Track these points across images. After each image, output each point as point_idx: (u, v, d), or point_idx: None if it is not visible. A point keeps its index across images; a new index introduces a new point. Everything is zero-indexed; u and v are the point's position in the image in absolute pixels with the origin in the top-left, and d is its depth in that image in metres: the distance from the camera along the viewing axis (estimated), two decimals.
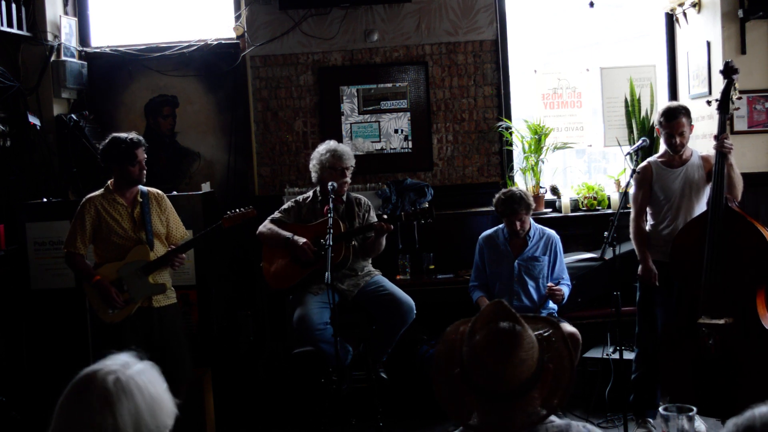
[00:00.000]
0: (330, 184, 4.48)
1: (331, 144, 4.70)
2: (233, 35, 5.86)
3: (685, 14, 5.64)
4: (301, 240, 4.47)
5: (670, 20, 5.89)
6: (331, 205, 4.35)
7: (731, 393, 3.93)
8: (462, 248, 5.38)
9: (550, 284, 4.59)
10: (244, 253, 5.65)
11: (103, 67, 5.98)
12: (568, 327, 4.19)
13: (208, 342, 5.14)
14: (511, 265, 4.67)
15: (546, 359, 1.84)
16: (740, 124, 5.28)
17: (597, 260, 5.13)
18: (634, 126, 5.77)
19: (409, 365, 5.12)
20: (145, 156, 4.22)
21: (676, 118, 4.31)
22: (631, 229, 4.53)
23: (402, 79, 5.84)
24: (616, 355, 4.54)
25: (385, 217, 4.52)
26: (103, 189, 4.25)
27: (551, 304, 4.63)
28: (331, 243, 4.00)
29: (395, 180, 5.69)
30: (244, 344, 5.54)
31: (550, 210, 5.79)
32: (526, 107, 6.05)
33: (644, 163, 4.54)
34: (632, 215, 4.53)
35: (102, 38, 6.09)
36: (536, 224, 4.79)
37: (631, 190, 4.62)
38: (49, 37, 5.62)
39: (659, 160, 4.48)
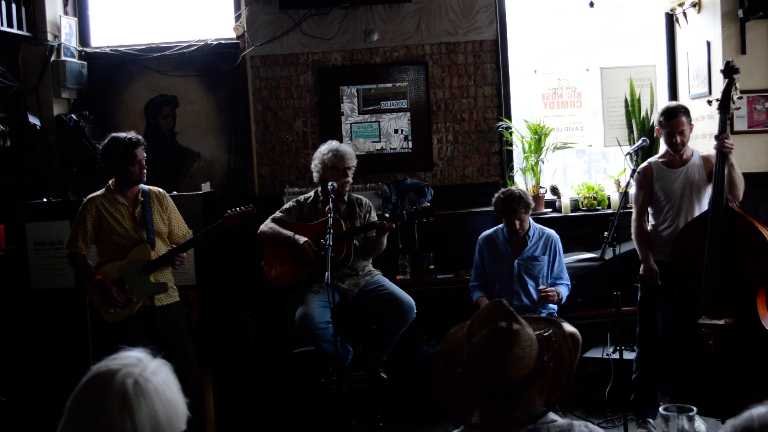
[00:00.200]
0: (330, 184, 4.49)
1: (333, 144, 4.71)
2: (233, 35, 5.86)
3: (685, 14, 5.64)
4: (302, 239, 4.47)
5: (670, 20, 5.89)
6: (331, 204, 4.35)
7: (731, 393, 3.93)
8: (462, 248, 5.38)
9: (541, 287, 4.58)
10: (244, 252, 5.65)
11: (103, 67, 5.98)
12: (568, 327, 4.18)
13: (208, 342, 5.14)
14: (511, 264, 4.67)
15: (547, 358, 1.85)
16: (740, 124, 5.28)
17: (597, 260, 5.13)
18: (634, 126, 5.77)
19: (409, 365, 5.12)
20: (145, 155, 4.22)
21: (675, 117, 4.31)
22: (632, 230, 4.53)
23: (402, 79, 5.84)
24: (616, 355, 4.53)
25: (387, 215, 4.52)
26: (104, 189, 4.25)
27: (551, 304, 4.63)
28: (331, 243, 4.01)
29: (395, 180, 5.69)
30: (244, 344, 5.54)
31: (550, 210, 5.79)
32: (526, 107, 6.06)
33: (645, 163, 4.53)
34: (634, 215, 4.53)
35: (102, 38, 6.09)
36: (536, 224, 4.79)
37: (632, 190, 4.62)
38: (49, 37, 5.62)
39: (660, 160, 4.48)
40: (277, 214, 4.73)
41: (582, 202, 5.78)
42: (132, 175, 4.18)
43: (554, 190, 5.89)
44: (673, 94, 5.89)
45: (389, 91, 5.84)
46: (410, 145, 5.85)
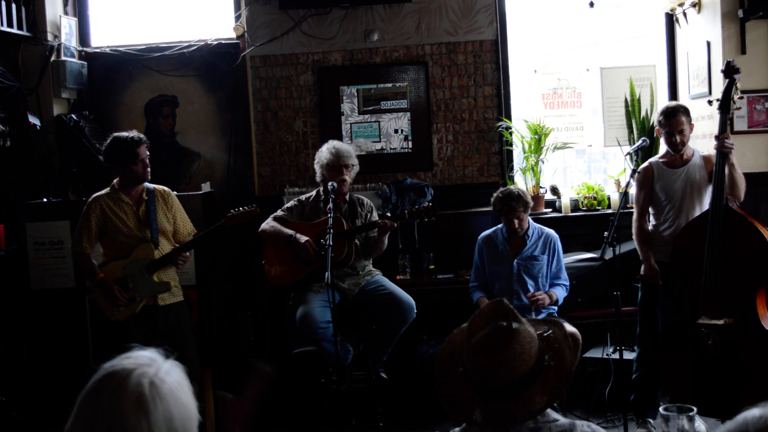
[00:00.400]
0: (330, 183, 4.50)
1: (331, 143, 4.73)
2: (233, 35, 5.86)
3: (685, 14, 5.64)
4: (303, 238, 4.48)
5: (670, 20, 5.89)
6: (331, 204, 4.36)
7: (731, 393, 3.93)
8: (462, 248, 5.38)
9: (530, 293, 4.57)
10: (244, 253, 5.65)
11: (103, 67, 5.98)
12: (568, 327, 4.18)
13: (208, 342, 5.13)
14: (510, 264, 4.67)
15: (548, 357, 1.86)
16: (740, 124, 5.28)
17: (597, 260, 5.13)
18: (634, 126, 5.77)
19: (409, 365, 5.12)
20: (148, 153, 4.22)
21: (675, 117, 4.30)
22: (633, 230, 4.53)
23: (402, 79, 5.84)
24: (616, 355, 4.53)
25: (388, 214, 4.53)
26: (108, 188, 4.26)
27: (551, 306, 4.63)
28: (331, 243, 4.02)
29: (395, 180, 5.69)
30: (244, 344, 5.54)
31: (550, 210, 5.79)
32: (526, 107, 6.05)
33: (645, 163, 4.53)
34: (634, 216, 4.53)
35: (102, 38, 6.09)
36: (535, 223, 4.79)
37: (632, 191, 4.62)
38: (49, 37, 5.62)
39: (660, 160, 4.48)
40: (279, 212, 4.74)
41: (582, 202, 5.78)
42: (135, 174, 4.18)
43: (554, 190, 5.89)
44: (673, 94, 5.89)
45: (389, 91, 5.84)
46: (410, 145, 5.85)
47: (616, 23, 6.43)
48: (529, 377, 1.81)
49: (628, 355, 4.60)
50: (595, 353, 4.98)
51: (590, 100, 5.96)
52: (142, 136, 4.22)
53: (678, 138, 4.33)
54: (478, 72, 5.82)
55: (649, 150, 5.31)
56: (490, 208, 4.83)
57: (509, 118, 5.82)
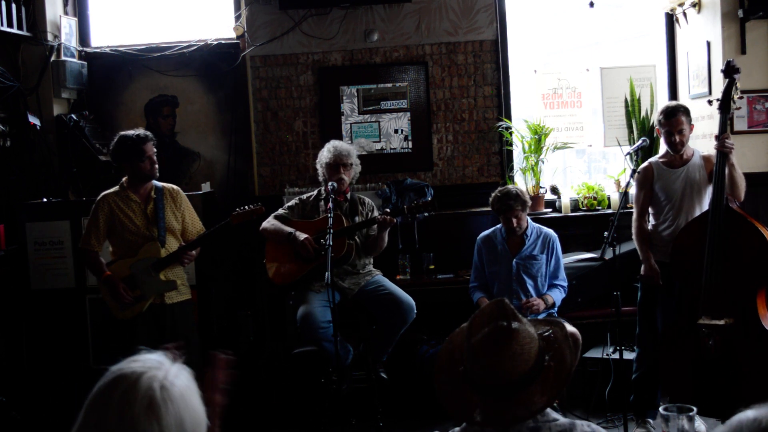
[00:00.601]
0: (330, 183, 4.54)
1: (332, 143, 4.78)
2: (233, 35, 5.86)
3: (685, 14, 5.64)
4: (303, 236, 4.49)
5: (670, 20, 5.89)
6: (331, 204, 4.37)
7: (731, 393, 3.93)
8: (462, 248, 5.37)
9: (523, 300, 4.57)
10: (244, 253, 5.65)
11: (103, 67, 5.98)
12: (568, 327, 4.18)
13: (208, 342, 5.13)
14: (509, 264, 4.66)
15: (548, 357, 1.86)
16: (740, 124, 5.28)
17: (597, 260, 5.12)
18: (634, 126, 5.77)
19: (409, 365, 5.12)
20: (155, 150, 4.24)
21: (674, 116, 4.30)
22: (633, 230, 4.53)
23: (402, 79, 5.84)
24: (616, 355, 4.53)
25: (388, 211, 4.55)
26: (117, 186, 4.28)
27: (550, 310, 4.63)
28: (330, 243, 4.03)
29: (395, 180, 5.69)
30: (244, 344, 5.54)
31: (550, 210, 5.78)
32: (526, 107, 6.05)
33: (645, 163, 4.53)
34: (634, 216, 4.53)
35: (102, 38, 6.09)
36: (533, 223, 4.79)
37: (632, 191, 4.61)
38: (49, 37, 5.62)
39: (660, 160, 4.48)
40: (280, 211, 4.77)
41: (582, 202, 5.78)
42: (143, 172, 4.20)
43: (554, 190, 5.89)
44: (673, 94, 5.89)
45: (389, 91, 5.84)
46: (410, 145, 5.85)
47: (616, 23, 6.43)
48: (529, 377, 1.81)
49: (628, 355, 4.59)
50: (595, 353, 4.98)
51: (590, 100, 5.96)
52: (148, 133, 4.24)
53: (678, 138, 4.33)
54: (478, 72, 5.82)
55: (649, 150, 5.31)
56: (490, 208, 4.83)
57: (509, 118, 5.82)
